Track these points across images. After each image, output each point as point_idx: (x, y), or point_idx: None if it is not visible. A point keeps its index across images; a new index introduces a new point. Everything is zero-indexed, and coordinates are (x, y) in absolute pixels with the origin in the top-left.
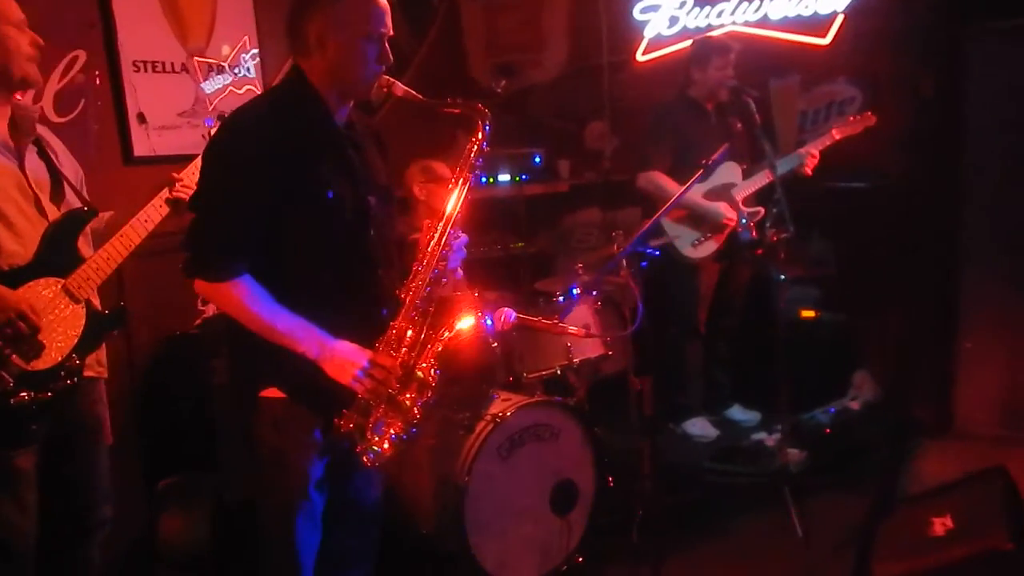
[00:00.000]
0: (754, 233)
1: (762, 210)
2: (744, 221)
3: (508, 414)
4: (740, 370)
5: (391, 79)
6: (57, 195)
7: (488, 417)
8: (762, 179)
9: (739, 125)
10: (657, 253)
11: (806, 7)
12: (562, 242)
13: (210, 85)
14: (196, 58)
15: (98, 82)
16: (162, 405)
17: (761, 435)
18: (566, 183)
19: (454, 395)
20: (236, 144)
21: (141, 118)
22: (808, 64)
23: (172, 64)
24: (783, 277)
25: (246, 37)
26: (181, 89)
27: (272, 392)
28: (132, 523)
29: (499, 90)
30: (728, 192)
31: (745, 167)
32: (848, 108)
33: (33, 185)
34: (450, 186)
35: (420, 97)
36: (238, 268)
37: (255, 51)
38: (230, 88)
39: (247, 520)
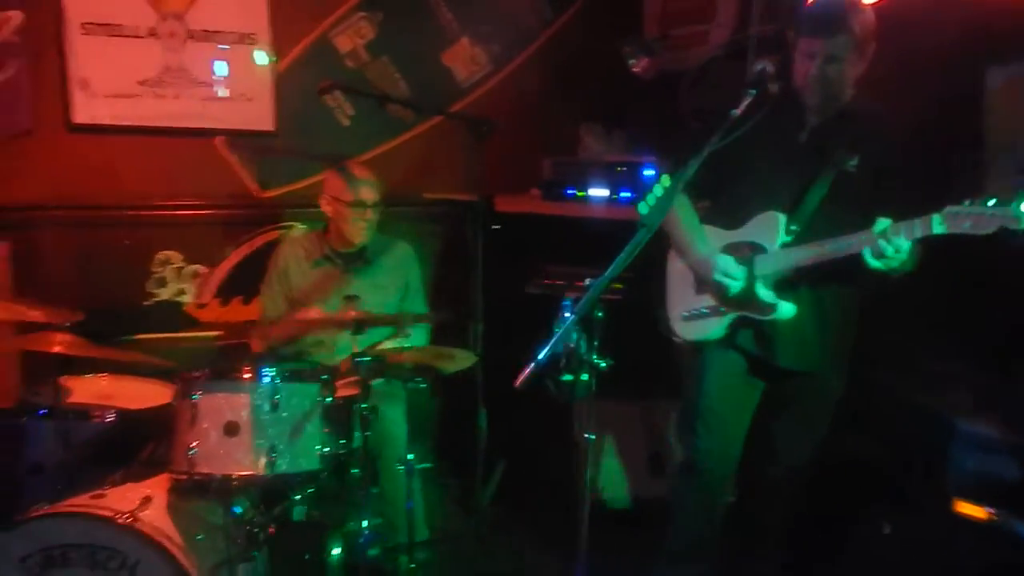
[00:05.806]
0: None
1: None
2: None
3: (40, 514)
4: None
5: None
6: None
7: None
8: (805, 255)
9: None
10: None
11: None
12: None
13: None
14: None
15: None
16: None
17: None
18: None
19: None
20: None
21: (84, 83)
22: None
23: (135, 28)
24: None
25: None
26: (144, 56)
27: None
28: None
29: (637, 70)
30: (747, 257)
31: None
32: None
33: None
34: None
35: None
36: None
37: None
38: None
39: None
